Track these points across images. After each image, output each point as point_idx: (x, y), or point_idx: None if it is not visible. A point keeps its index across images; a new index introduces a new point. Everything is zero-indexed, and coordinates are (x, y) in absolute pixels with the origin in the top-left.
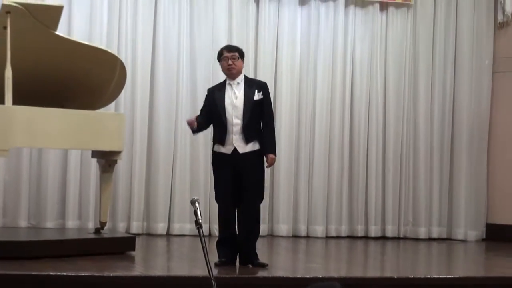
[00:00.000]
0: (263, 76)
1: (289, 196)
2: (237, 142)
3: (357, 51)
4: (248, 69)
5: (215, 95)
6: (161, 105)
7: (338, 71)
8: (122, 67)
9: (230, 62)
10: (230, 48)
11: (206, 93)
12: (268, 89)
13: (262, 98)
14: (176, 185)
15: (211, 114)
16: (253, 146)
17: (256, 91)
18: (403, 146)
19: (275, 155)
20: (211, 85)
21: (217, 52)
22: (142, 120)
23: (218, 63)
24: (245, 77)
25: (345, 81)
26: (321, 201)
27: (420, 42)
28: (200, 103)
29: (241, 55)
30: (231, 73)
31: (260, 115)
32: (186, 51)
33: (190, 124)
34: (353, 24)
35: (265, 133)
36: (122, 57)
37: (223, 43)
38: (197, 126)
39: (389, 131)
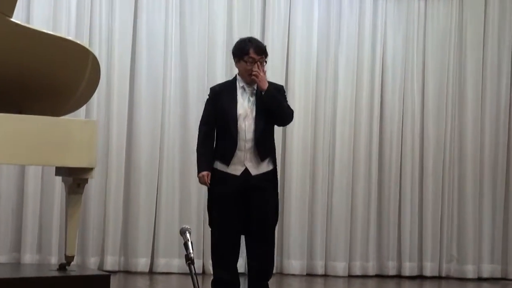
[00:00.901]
0: (271, 79)
1: (303, 226)
2: (249, 162)
3: (389, 47)
4: None
5: (224, 100)
6: (144, 112)
7: (364, 72)
8: (95, 63)
9: (256, 68)
10: (259, 49)
11: (209, 94)
12: (285, 92)
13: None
14: (162, 211)
15: (216, 122)
16: (267, 166)
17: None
18: (445, 163)
19: (266, 91)
20: (205, 89)
21: (210, 50)
22: (119, 129)
23: (214, 62)
24: None
25: (373, 85)
26: (343, 231)
27: (468, 35)
28: (192, 110)
29: (267, 56)
30: (252, 82)
31: (273, 125)
32: (175, 48)
33: (203, 183)
34: (384, 14)
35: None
36: (95, 53)
37: (220, 40)
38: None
39: (427, 144)
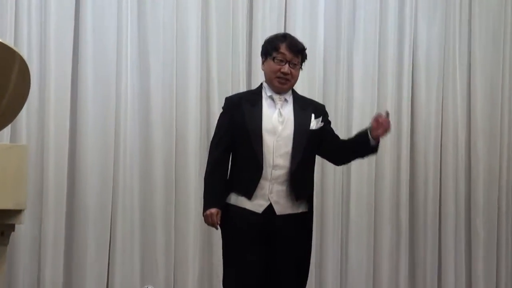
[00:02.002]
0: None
1: None
2: (276, 197)
3: (421, 43)
4: (237, 70)
5: (245, 112)
6: (90, 133)
7: (388, 75)
8: (23, 66)
9: (287, 69)
10: (295, 46)
11: (224, 105)
12: (328, 115)
13: (322, 127)
14: (117, 268)
15: (233, 142)
16: (299, 206)
17: (313, 115)
18: (501, 199)
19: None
20: (174, 104)
21: (179, 42)
22: (58, 157)
23: (186, 59)
24: (294, 93)
25: (400, 92)
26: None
27: None
28: (157, 130)
29: (303, 59)
30: (283, 87)
31: (314, 153)
32: (131, 50)
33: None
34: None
35: (345, 140)
36: (23, 55)
37: (194, 37)
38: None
39: (476, 172)
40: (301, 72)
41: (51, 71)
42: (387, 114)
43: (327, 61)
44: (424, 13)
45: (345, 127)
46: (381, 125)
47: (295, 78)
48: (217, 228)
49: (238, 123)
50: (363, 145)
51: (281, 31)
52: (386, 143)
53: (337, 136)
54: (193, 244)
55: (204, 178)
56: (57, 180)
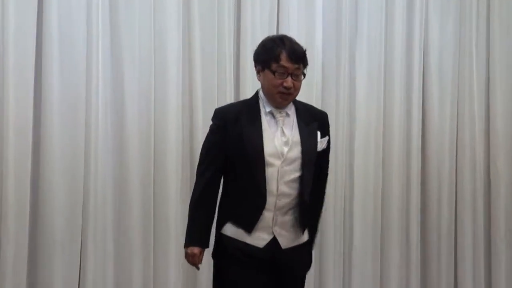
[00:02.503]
0: (253, 89)
1: None
2: (280, 229)
3: (433, 42)
4: (223, 75)
5: (244, 130)
6: (56, 152)
7: (396, 79)
8: None
9: (290, 83)
10: (296, 54)
11: (215, 120)
12: (329, 131)
13: (325, 148)
14: None
15: (227, 164)
16: (303, 236)
17: (319, 132)
18: None
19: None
20: (152, 116)
21: (157, 43)
22: (19, 181)
23: (167, 72)
24: (295, 102)
25: (409, 97)
26: None
27: None
28: (133, 146)
29: (305, 66)
30: (284, 102)
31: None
32: (103, 57)
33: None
34: None
35: (314, 209)
36: None
37: (174, 40)
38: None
39: (496, 193)
40: None
41: (9, 84)
42: None
43: (326, 66)
44: (436, 9)
45: (347, 142)
46: None
47: (297, 90)
48: (198, 269)
49: (235, 144)
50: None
51: (273, 31)
52: (391, 162)
53: (322, 171)
54: (174, 278)
55: (190, 206)
56: (18, 208)
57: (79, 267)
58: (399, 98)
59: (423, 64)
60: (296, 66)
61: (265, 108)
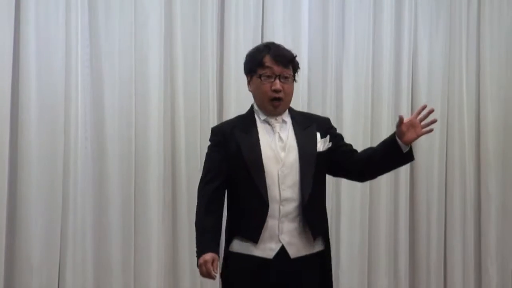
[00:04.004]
0: (236, 100)
1: None
2: (288, 237)
3: (422, 53)
4: (206, 84)
5: (240, 141)
6: (33, 171)
7: (384, 90)
8: None
9: (278, 86)
10: (281, 55)
11: (212, 137)
12: (335, 128)
13: (331, 146)
14: None
15: (228, 178)
16: (315, 245)
17: (319, 134)
18: None
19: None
20: (133, 133)
21: (138, 55)
22: None
23: (148, 87)
24: (291, 110)
25: (398, 110)
26: None
27: None
28: (112, 163)
29: (296, 70)
30: (277, 110)
31: (324, 180)
32: (82, 71)
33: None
34: (413, 3)
35: (367, 149)
36: None
37: (154, 48)
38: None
39: (487, 206)
40: None
41: None
42: (423, 108)
43: (312, 82)
44: (424, 20)
45: None
46: (412, 126)
47: (289, 95)
48: (214, 278)
49: (233, 157)
50: (394, 154)
51: (258, 41)
52: (380, 181)
53: (353, 150)
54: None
55: (196, 224)
56: None
57: (57, 278)
58: (386, 111)
59: (412, 81)
60: (283, 68)
61: (259, 117)
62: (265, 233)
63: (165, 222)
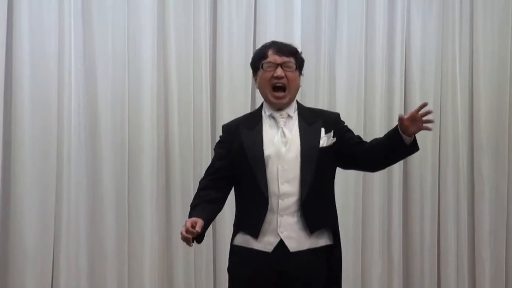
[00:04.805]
0: (230, 97)
1: None
2: (287, 231)
3: (415, 42)
4: (199, 72)
5: (244, 138)
6: (26, 162)
7: (377, 81)
8: None
9: (280, 72)
10: (282, 47)
11: (221, 134)
12: (344, 122)
13: (336, 141)
14: None
15: (232, 173)
16: (319, 239)
17: (323, 130)
18: (510, 226)
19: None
20: (126, 126)
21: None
22: None
23: (141, 81)
24: (300, 106)
25: (391, 101)
26: None
27: None
28: (106, 158)
29: (300, 62)
30: (279, 97)
31: (330, 175)
32: (75, 61)
33: (187, 237)
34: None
35: (373, 140)
36: None
37: (147, 43)
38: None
39: (481, 192)
40: None
41: None
42: (424, 105)
43: (305, 66)
44: (418, 6)
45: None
46: (413, 121)
47: (293, 82)
48: (190, 243)
49: (236, 153)
50: (398, 147)
51: (251, 34)
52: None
53: (362, 142)
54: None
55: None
56: None
57: (51, 278)
58: (379, 100)
59: (405, 66)
60: (285, 58)
61: (266, 113)
62: (264, 227)
63: (159, 210)
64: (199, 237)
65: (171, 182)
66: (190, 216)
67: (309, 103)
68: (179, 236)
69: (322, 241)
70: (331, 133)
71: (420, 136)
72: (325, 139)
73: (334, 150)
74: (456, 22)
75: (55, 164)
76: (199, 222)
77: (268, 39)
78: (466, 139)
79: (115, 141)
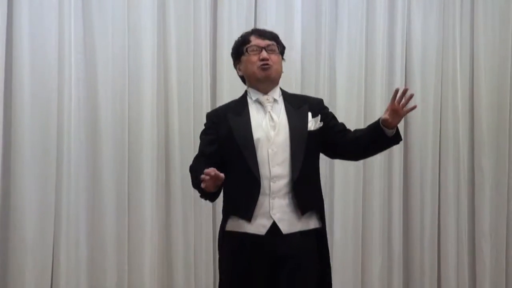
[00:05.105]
0: (231, 94)
1: None
2: (279, 213)
3: (415, 36)
4: (200, 65)
5: (231, 123)
6: (26, 158)
7: (377, 77)
8: None
9: (265, 55)
10: (266, 32)
11: (206, 122)
12: (328, 108)
13: (322, 126)
14: None
15: (220, 158)
16: (309, 222)
17: (310, 114)
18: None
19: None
20: (126, 119)
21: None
22: None
23: (142, 75)
24: (283, 92)
25: (392, 83)
26: None
27: None
28: (107, 151)
29: (282, 48)
30: (267, 75)
31: (316, 158)
32: (75, 57)
33: (208, 180)
34: None
35: (358, 134)
36: None
37: (148, 37)
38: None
39: (482, 189)
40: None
41: None
42: (401, 91)
43: (305, 63)
44: (419, 4)
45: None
46: (393, 112)
47: (276, 63)
48: (221, 179)
49: (225, 138)
50: (380, 139)
51: (251, 23)
52: (373, 159)
53: (346, 130)
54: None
55: (191, 177)
56: None
57: (50, 277)
58: (380, 88)
59: (405, 59)
60: (268, 42)
61: (252, 98)
62: (257, 210)
63: (159, 201)
64: (215, 194)
65: (171, 178)
66: (197, 172)
67: (309, 89)
68: (179, 229)
69: (312, 223)
70: (318, 117)
71: (421, 133)
72: (313, 123)
73: (320, 134)
74: (457, 20)
75: (55, 159)
76: (216, 172)
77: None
78: (466, 136)
79: (115, 137)
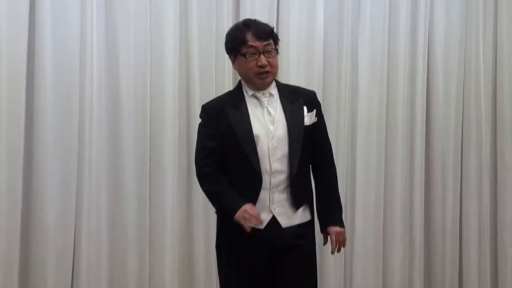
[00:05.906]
0: None
1: None
2: (279, 208)
3: (438, 28)
4: (209, 63)
5: (231, 118)
6: (49, 143)
7: (399, 68)
8: None
9: (264, 61)
10: (261, 31)
11: (202, 114)
12: (320, 105)
13: (316, 121)
14: None
15: (224, 153)
16: (304, 215)
17: (306, 108)
18: None
19: (343, 227)
20: (148, 107)
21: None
22: (10, 173)
23: (163, 61)
24: (277, 83)
25: (413, 89)
26: None
27: None
28: (127, 135)
29: (276, 41)
30: (265, 81)
31: (309, 153)
32: (97, 43)
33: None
34: None
35: (327, 186)
36: None
37: (170, 24)
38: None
39: (504, 182)
40: (296, 63)
41: (1, 72)
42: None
43: (328, 51)
44: (440, 4)
45: (349, 129)
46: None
47: (275, 67)
48: (261, 222)
49: (225, 132)
50: (318, 211)
51: (274, 16)
52: (395, 149)
53: (323, 147)
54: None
55: (209, 191)
56: (10, 201)
57: (72, 263)
58: (402, 86)
59: (428, 48)
60: (265, 43)
61: (248, 92)
62: (257, 205)
63: (180, 185)
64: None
65: (193, 164)
66: (226, 194)
67: (331, 92)
68: (200, 215)
69: (307, 216)
70: (314, 112)
71: (443, 124)
72: (308, 118)
73: (312, 131)
74: (480, 10)
75: (76, 144)
76: (253, 208)
77: (291, 29)
78: (489, 128)
79: (137, 123)
